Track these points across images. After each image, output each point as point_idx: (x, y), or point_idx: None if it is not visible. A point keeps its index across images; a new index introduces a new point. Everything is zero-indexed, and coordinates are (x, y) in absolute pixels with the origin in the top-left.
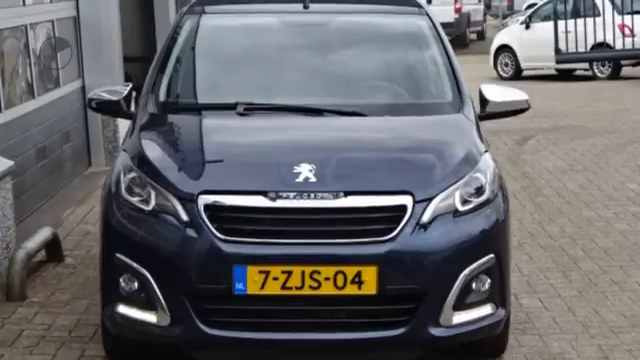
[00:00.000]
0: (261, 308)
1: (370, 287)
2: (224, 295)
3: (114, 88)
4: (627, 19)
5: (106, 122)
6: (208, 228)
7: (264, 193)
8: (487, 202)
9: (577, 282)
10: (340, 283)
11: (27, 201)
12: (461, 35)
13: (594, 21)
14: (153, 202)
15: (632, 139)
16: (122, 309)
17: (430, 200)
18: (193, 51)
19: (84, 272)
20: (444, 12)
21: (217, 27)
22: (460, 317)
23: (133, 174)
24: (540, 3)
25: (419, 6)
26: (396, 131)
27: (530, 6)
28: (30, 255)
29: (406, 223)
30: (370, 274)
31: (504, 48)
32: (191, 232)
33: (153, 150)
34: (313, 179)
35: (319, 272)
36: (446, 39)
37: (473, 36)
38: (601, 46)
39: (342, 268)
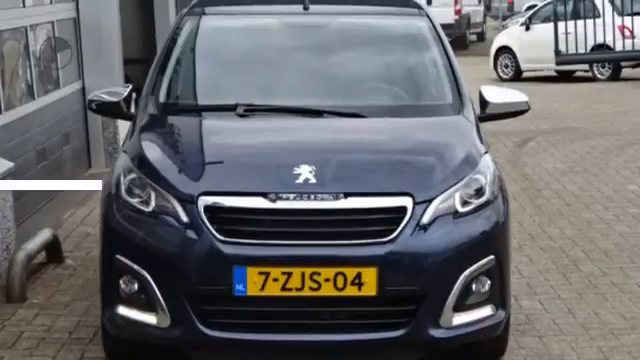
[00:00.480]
0: (261, 309)
1: (370, 288)
2: (224, 296)
3: (114, 89)
4: (627, 20)
5: (106, 124)
6: (208, 229)
7: (264, 194)
8: (487, 203)
9: (577, 284)
10: (340, 284)
11: (27, 202)
12: (461, 36)
13: (594, 22)
14: (153, 203)
15: (632, 141)
16: (122, 310)
17: (430, 201)
18: (193, 52)
19: (84, 274)
20: (444, 13)
21: (217, 28)
22: (460, 318)
23: (133, 175)
24: (540, 4)
25: (419, 7)
26: (396, 132)
27: (530, 7)
28: (30, 256)
29: (406, 224)
30: (370, 275)
31: (504, 49)
32: (191, 233)
33: (153, 151)
34: (313, 180)
35: (319, 273)
36: (446, 40)
37: (473, 37)
38: (601, 47)
39: (342, 269)
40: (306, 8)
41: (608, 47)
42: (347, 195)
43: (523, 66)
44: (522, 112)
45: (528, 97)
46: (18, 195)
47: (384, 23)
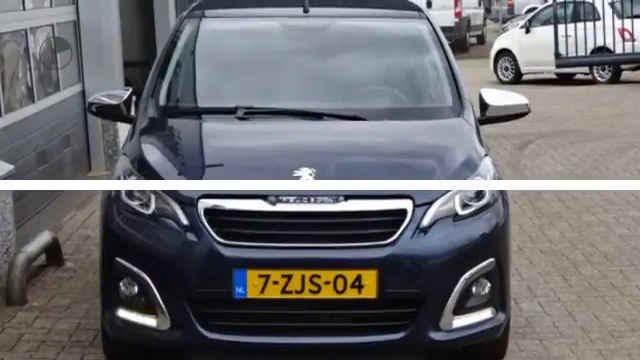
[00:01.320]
0: (261, 312)
1: (370, 291)
2: (224, 299)
3: (114, 92)
4: (627, 23)
5: (106, 126)
6: (208, 232)
7: (264, 197)
8: (487, 206)
9: (577, 286)
10: (340, 287)
11: (27, 205)
12: (461, 39)
13: (594, 25)
14: (153, 206)
15: (632, 143)
16: (122, 313)
17: (430, 204)
18: (193, 55)
19: (84, 276)
20: (444, 16)
21: (217, 31)
22: (460, 321)
23: (133, 178)
24: (540, 7)
25: (419, 10)
26: (396, 135)
27: (530, 10)
28: (30, 259)
29: (406, 227)
30: (370, 278)
31: (504, 52)
32: (191, 236)
33: (153, 154)
34: None
35: (319, 276)
36: (446, 43)
37: (473, 40)
38: (601, 50)
39: (342, 272)
40: (306, 11)
41: (608, 50)
42: (347, 197)
43: (523, 69)
44: (522, 115)
45: (528, 100)
46: (18, 197)
47: (384, 26)
